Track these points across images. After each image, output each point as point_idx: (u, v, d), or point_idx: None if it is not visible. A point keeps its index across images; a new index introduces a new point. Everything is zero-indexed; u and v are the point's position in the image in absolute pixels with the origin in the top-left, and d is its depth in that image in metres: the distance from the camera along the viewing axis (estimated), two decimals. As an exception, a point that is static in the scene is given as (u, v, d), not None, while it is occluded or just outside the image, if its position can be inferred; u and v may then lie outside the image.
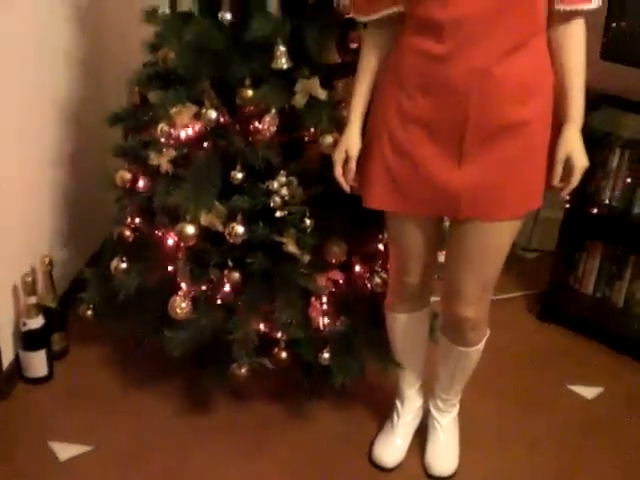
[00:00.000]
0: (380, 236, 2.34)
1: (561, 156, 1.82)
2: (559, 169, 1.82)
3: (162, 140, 2.22)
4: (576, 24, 1.81)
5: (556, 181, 1.84)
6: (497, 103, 1.77)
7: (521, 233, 2.04)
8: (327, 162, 2.03)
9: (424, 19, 1.77)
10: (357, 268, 2.34)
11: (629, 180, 2.91)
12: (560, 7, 1.78)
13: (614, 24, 2.68)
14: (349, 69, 2.09)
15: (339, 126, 2.06)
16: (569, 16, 1.80)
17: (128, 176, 2.40)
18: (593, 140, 2.86)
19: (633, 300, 3.05)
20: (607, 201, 2.98)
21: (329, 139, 2.09)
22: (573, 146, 1.82)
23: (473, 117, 1.78)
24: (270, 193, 2.16)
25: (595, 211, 2.95)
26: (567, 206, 2.98)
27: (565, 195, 1.87)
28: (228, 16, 2.10)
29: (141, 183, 2.39)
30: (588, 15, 1.81)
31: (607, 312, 3.10)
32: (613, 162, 2.93)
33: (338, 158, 1.97)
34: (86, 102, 2.87)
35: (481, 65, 1.74)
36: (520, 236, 2.19)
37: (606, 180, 2.96)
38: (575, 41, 1.82)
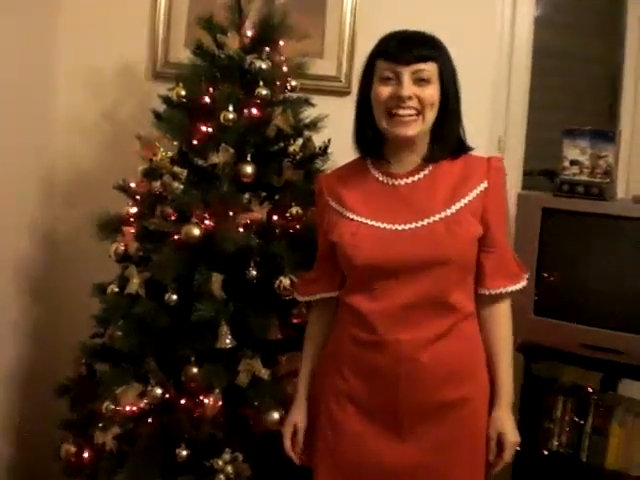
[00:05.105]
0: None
1: (492, 434, 1.87)
2: (492, 446, 1.88)
3: (107, 416, 2.23)
4: (502, 305, 1.91)
5: (491, 457, 1.88)
6: (426, 389, 1.81)
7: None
8: (272, 437, 2.04)
9: (353, 308, 1.86)
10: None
11: (575, 425, 2.94)
12: (485, 291, 1.88)
13: (545, 278, 2.78)
14: (292, 343, 2.17)
15: (283, 403, 2.10)
16: (496, 298, 1.89)
17: (73, 449, 2.38)
18: (537, 386, 2.94)
19: None
20: (556, 444, 2.98)
21: (273, 415, 2.12)
22: (502, 425, 1.87)
23: (404, 401, 1.81)
24: (215, 471, 2.14)
25: (545, 455, 2.94)
26: (518, 449, 2.96)
27: (497, 470, 1.90)
28: (174, 297, 2.19)
29: (86, 455, 2.36)
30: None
31: None
32: (558, 409, 2.97)
33: (287, 432, 1.97)
34: (33, 370, 2.87)
35: (408, 353, 1.79)
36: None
37: (553, 426, 2.98)
38: (502, 327, 1.90)
